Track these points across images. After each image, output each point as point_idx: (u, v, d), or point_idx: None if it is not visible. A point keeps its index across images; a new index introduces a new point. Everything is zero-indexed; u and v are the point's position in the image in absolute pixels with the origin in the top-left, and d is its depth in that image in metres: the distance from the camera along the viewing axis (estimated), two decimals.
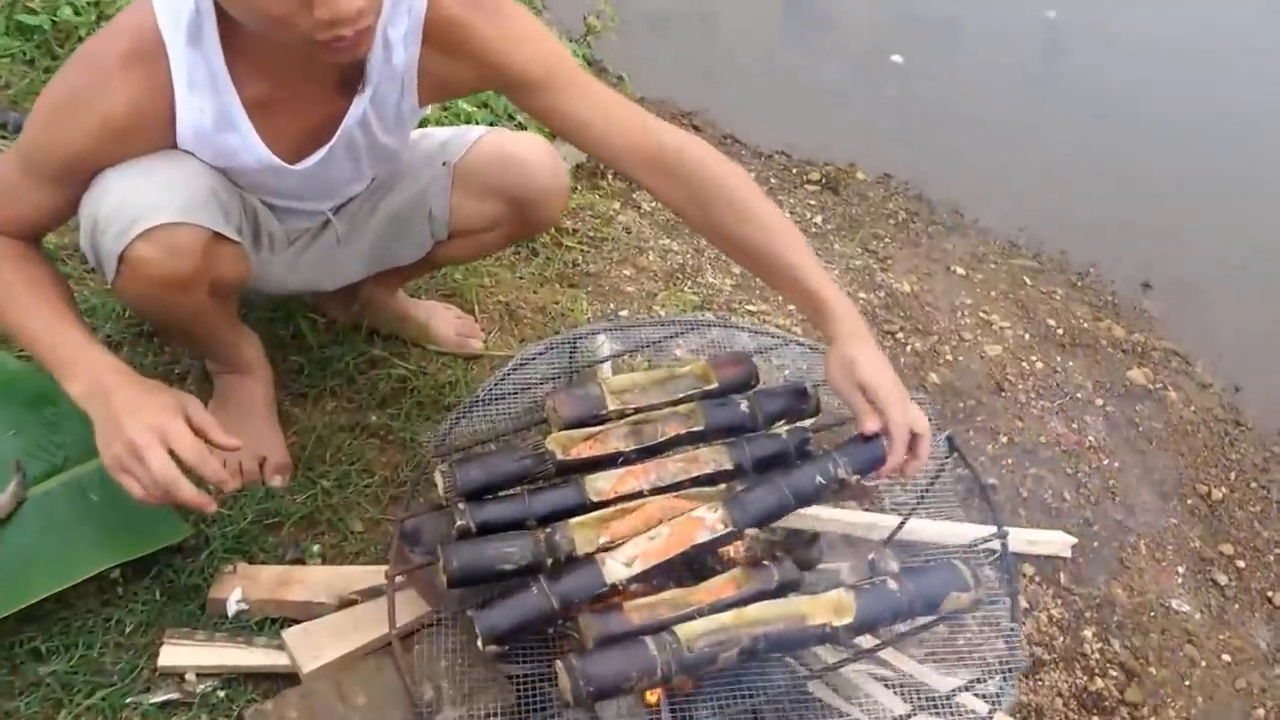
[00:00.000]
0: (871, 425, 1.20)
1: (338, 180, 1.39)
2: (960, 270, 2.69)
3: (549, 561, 1.16)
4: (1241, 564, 2.10)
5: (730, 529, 1.18)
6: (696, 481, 1.25)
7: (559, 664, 1.07)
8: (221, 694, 1.28)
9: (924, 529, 1.47)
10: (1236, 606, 2.02)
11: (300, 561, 1.43)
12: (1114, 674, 1.78)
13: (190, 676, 1.28)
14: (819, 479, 1.22)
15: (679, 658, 1.07)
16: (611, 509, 1.21)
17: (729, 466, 1.26)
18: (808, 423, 1.35)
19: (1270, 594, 2.06)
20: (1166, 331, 2.73)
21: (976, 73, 3.65)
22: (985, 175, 3.20)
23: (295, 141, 1.27)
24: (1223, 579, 2.05)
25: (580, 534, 1.18)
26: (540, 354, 1.46)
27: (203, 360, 1.61)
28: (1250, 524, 2.20)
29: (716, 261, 2.40)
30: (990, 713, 1.15)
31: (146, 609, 1.34)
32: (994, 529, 1.36)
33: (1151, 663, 1.83)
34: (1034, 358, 2.43)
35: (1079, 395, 2.36)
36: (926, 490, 1.44)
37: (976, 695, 1.18)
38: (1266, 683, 1.89)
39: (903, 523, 1.45)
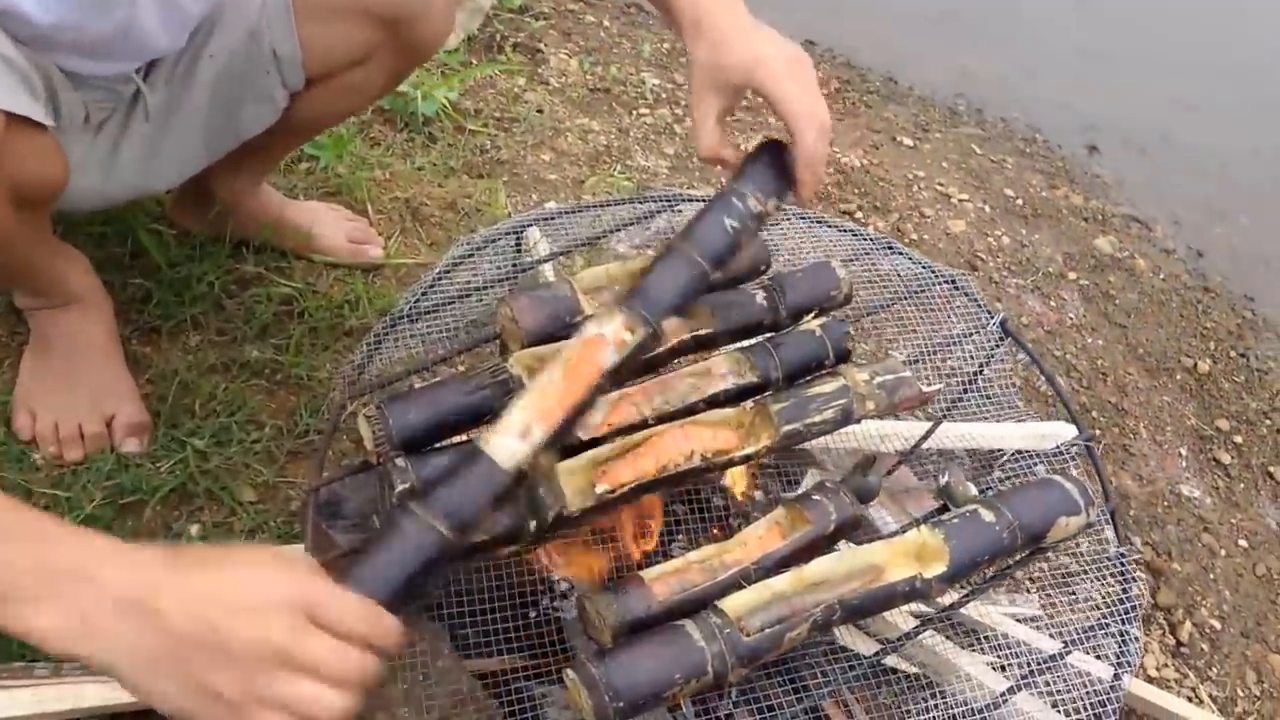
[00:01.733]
0: (707, 147, 0.91)
1: (146, 15, 0.97)
2: (907, 141, 2.42)
3: (531, 526, 0.84)
4: (1239, 439, 1.94)
5: (643, 331, 0.81)
6: (714, 401, 0.94)
7: (571, 673, 0.76)
8: None
9: (963, 434, 1.21)
10: (1242, 486, 1.86)
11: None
12: (1141, 576, 1.59)
13: None
14: (728, 222, 0.87)
15: (734, 644, 0.77)
16: (608, 446, 0.88)
17: (753, 379, 0.95)
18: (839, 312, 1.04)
19: (1271, 469, 1.91)
20: (1121, 196, 2.54)
21: None
22: (911, 38, 2.94)
23: None
24: (1225, 458, 1.89)
25: (571, 483, 0.85)
26: (477, 250, 1.10)
27: (8, 294, 1.20)
28: (1238, 395, 2.04)
29: (645, 141, 2.06)
30: (1116, 677, 0.90)
31: None
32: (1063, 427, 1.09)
33: (1174, 558, 1.65)
34: (999, 232, 2.20)
35: (1050, 269, 2.14)
36: (970, 382, 1.17)
37: (1090, 653, 0.93)
38: None
39: (935, 425, 1.18)
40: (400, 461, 0.86)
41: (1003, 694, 0.89)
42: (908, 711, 0.92)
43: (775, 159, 0.91)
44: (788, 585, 0.83)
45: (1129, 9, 3.32)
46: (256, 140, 1.22)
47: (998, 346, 1.15)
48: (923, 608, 0.94)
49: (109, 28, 0.94)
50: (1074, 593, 1.03)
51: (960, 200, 2.25)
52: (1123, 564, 0.98)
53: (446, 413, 0.89)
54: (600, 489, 0.86)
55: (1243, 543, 1.74)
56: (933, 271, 1.19)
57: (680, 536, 1.03)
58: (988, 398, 1.18)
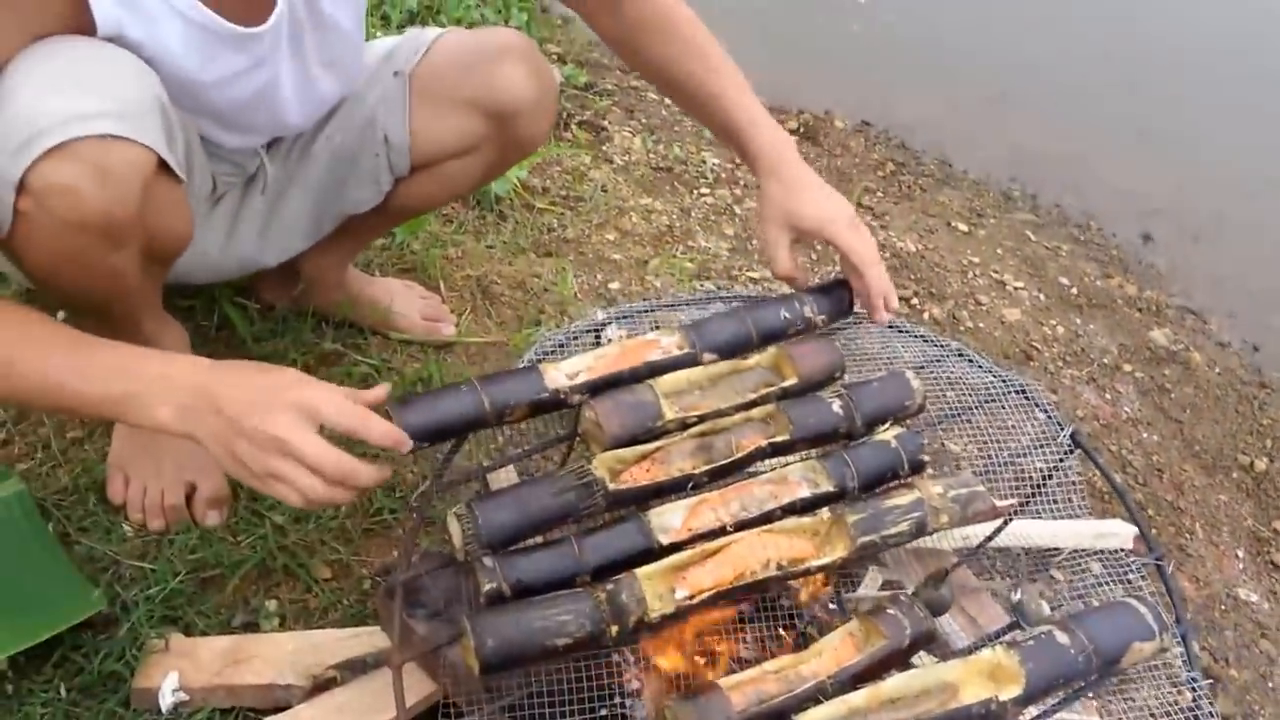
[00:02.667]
0: (783, 267, 1.14)
1: (285, 90, 1.03)
2: (962, 226, 2.45)
3: (613, 631, 0.86)
4: None
5: (689, 351, 1.04)
6: (790, 509, 0.96)
7: None
8: None
9: (1024, 534, 1.22)
10: None
11: (254, 627, 1.10)
12: (1199, 681, 1.57)
13: None
14: (783, 313, 1.11)
15: None
16: (687, 553, 0.90)
17: (829, 488, 0.97)
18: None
19: None
20: (1175, 286, 2.55)
21: (941, 12, 3.40)
22: (966, 120, 2.98)
23: (231, 9, 0.92)
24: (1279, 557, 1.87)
25: (651, 589, 0.87)
26: (559, 347, 1.13)
27: None
28: None
29: (706, 222, 2.10)
30: None
31: (49, 712, 0.99)
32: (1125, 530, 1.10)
33: (1231, 664, 1.63)
34: (1054, 321, 2.21)
35: (1106, 361, 2.14)
36: (1033, 493, 1.18)
37: None
38: None
39: (1001, 527, 1.19)
40: (488, 561, 0.88)
41: None
42: None
43: (836, 290, 1.17)
44: (864, 701, 0.84)
45: (1185, 89, 3.33)
46: (353, 221, 1.28)
47: (1066, 456, 1.16)
48: None
49: (250, 93, 1.00)
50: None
51: (1015, 288, 2.27)
52: (1194, 688, 0.98)
53: (534, 514, 0.91)
54: (680, 594, 0.88)
55: None
56: (1004, 381, 1.21)
57: (747, 636, 1.05)
58: (1055, 502, 1.19)
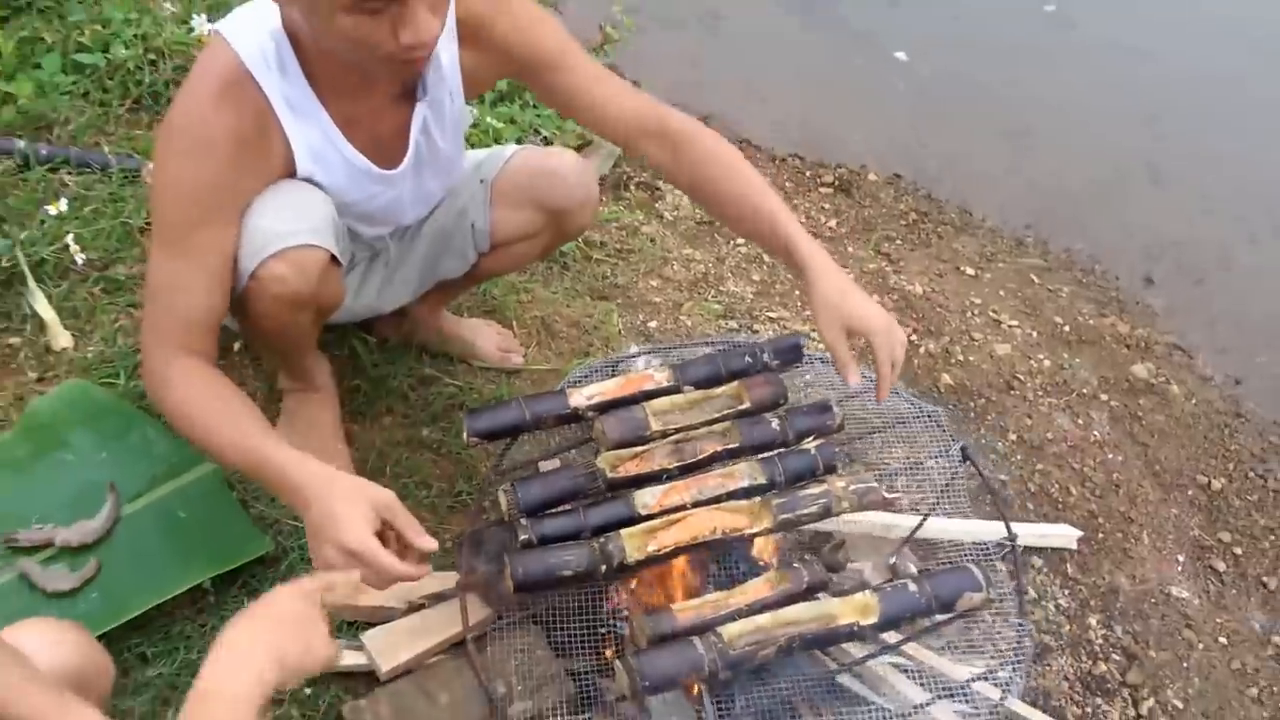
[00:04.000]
0: (854, 379, 1.36)
1: (404, 200, 1.51)
2: (970, 270, 2.81)
3: (602, 569, 1.30)
4: (1239, 550, 2.22)
5: (673, 383, 1.48)
6: (733, 495, 1.38)
7: (618, 663, 1.21)
8: (308, 691, 1.42)
9: (941, 528, 1.60)
10: (1234, 592, 2.15)
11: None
12: (1116, 658, 1.91)
13: None
14: (747, 358, 1.51)
15: (724, 656, 1.21)
16: (658, 520, 1.34)
17: (763, 481, 1.39)
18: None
19: (1265, 579, 2.19)
20: (1169, 325, 2.84)
21: (978, 70, 3.74)
22: (992, 173, 3.31)
23: (373, 154, 1.39)
24: (1220, 565, 2.18)
25: (631, 543, 1.31)
26: (584, 377, 1.59)
27: (273, 380, 1.75)
28: (1248, 512, 2.32)
29: (737, 270, 2.53)
30: (1001, 698, 1.29)
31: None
32: (1004, 529, 1.48)
33: (1151, 646, 1.96)
34: (1042, 356, 2.55)
35: (1085, 391, 2.48)
36: (942, 493, 1.57)
37: (990, 683, 1.31)
38: (1260, 663, 2.02)
39: (919, 525, 1.58)
40: (524, 521, 1.33)
41: (922, 704, 1.29)
42: (856, 712, 1.32)
43: (790, 342, 1.56)
44: (768, 621, 1.26)
45: (1204, 134, 3.58)
46: (447, 281, 1.76)
47: (960, 466, 1.55)
48: (866, 645, 1.35)
49: (383, 205, 1.49)
50: (985, 645, 1.40)
51: (1010, 326, 2.62)
52: (1021, 630, 1.36)
53: (555, 492, 1.36)
54: (650, 548, 1.32)
55: (1223, 639, 2.03)
56: (918, 407, 1.60)
57: (711, 587, 1.47)
58: (954, 504, 1.58)
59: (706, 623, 1.26)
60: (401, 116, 1.41)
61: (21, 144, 2.01)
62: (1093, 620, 1.96)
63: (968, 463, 1.54)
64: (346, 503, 1.17)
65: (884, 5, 4.03)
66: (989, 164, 3.33)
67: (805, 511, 1.37)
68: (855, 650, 1.36)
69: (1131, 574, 2.09)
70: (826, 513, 1.39)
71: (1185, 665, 1.96)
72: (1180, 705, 1.88)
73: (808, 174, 3.12)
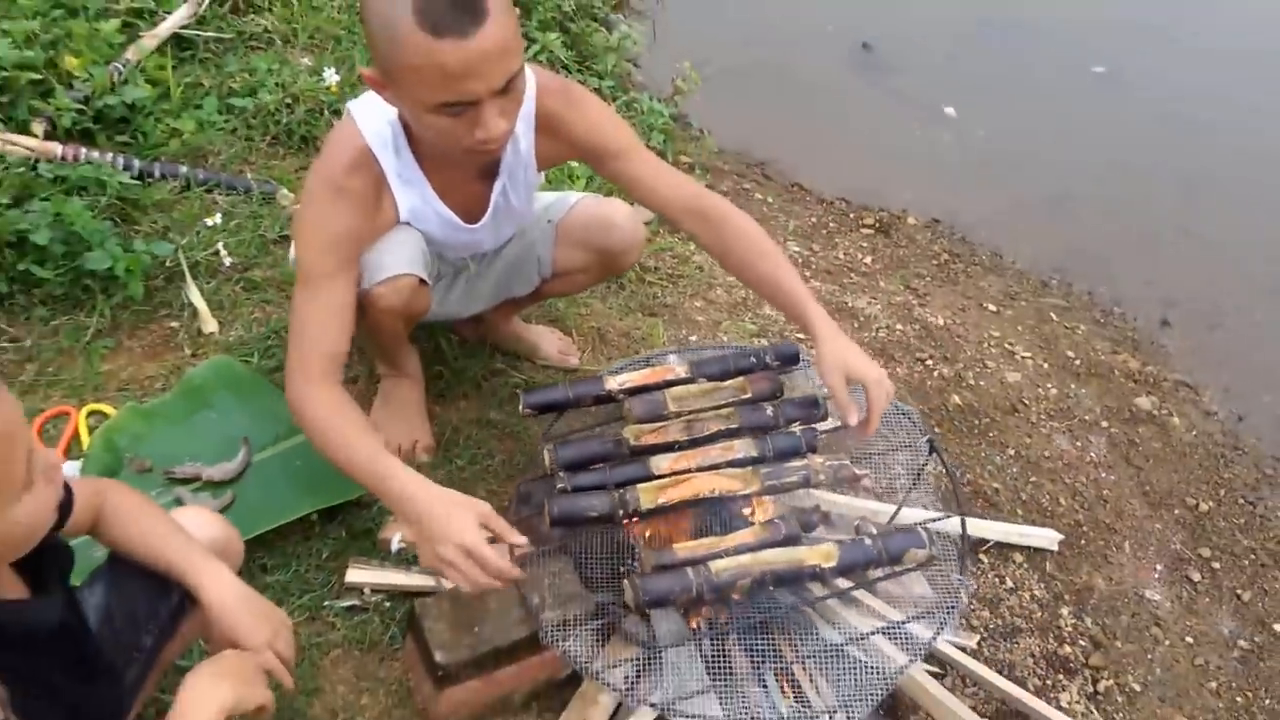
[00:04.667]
0: (854, 418, 1.64)
1: (484, 239, 1.90)
2: (992, 307, 3.09)
3: (620, 513, 1.65)
4: (1217, 565, 2.45)
5: (690, 374, 1.86)
6: (731, 464, 1.72)
7: (626, 581, 1.55)
8: (387, 604, 1.80)
9: (913, 516, 1.91)
10: (1207, 600, 2.37)
11: None
12: (1083, 644, 2.16)
13: (366, 591, 1.81)
14: (753, 359, 1.89)
15: (709, 582, 1.54)
16: (668, 479, 1.68)
17: (755, 454, 1.73)
18: (818, 425, 1.80)
19: (1240, 592, 2.40)
20: (1180, 365, 3.08)
21: (1024, 125, 4.02)
22: (1027, 219, 3.59)
23: (462, 213, 1.79)
24: (1196, 576, 2.41)
25: (645, 495, 1.66)
26: (620, 369, 1.94)
27: (373, 366, 2.15)
28: (1231, 533, 2.54)
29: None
30: (931, 639, 1.59)
31: (335, 543, 1.87)
32: (955, 514, 1.78)
33: (1118, 637, 2.21)
34: (1049, 385, 2.82)
35: (1087, 418, 2.73)
36: (915, 482, 1.88)
37: (923, 625, 1.62)
38: (1223, 662, 2.24)
39: (896, 512, 1.89)
40: (562, 474, 1.69)
41: (866, 633, 1.60)
42: (815, 635, 1.63)
43: (789, 348, 1.92)
44: (748, 559, 1.59)
45: (1234, 193, 3.80)
46: (516, 298, 2.14)
47: (929, 455, 1.85)
48: (827, 587, 1.66)
49: (465, 243, 1.88)
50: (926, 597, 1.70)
51: (1023, 357, 2.89)
52: (959, 585, 1.65)
53: (588, 454, 1.72)
54: (660, 500, 1.66)
55: (1190, 639, 2.26)
56: (896, 407, 1.91)
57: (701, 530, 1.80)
58: (923, 492, 1.88)
59: (699, 558, 1.59)
60: (485, 185, 1.79)
61: (184, 169, 2.48)
62: (1064, 611, 2.22)
63: (934, 454, 1.84)
64: (460, 510, 1.46)
65: (938, 62, 4.34)
66: (1025, 216, 3.60)
67: (788, 480, 1.70)
68: (819, 591, 1.67)
69: (1109, 576, 2.34)
70: (806, 482, 1.71)
71: (1149, 657, 2.20)
72: (1138, 689, 2.12)
73: (851, 215, 3.44)
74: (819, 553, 1.60)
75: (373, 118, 1.64)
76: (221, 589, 1.28)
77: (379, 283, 1.70)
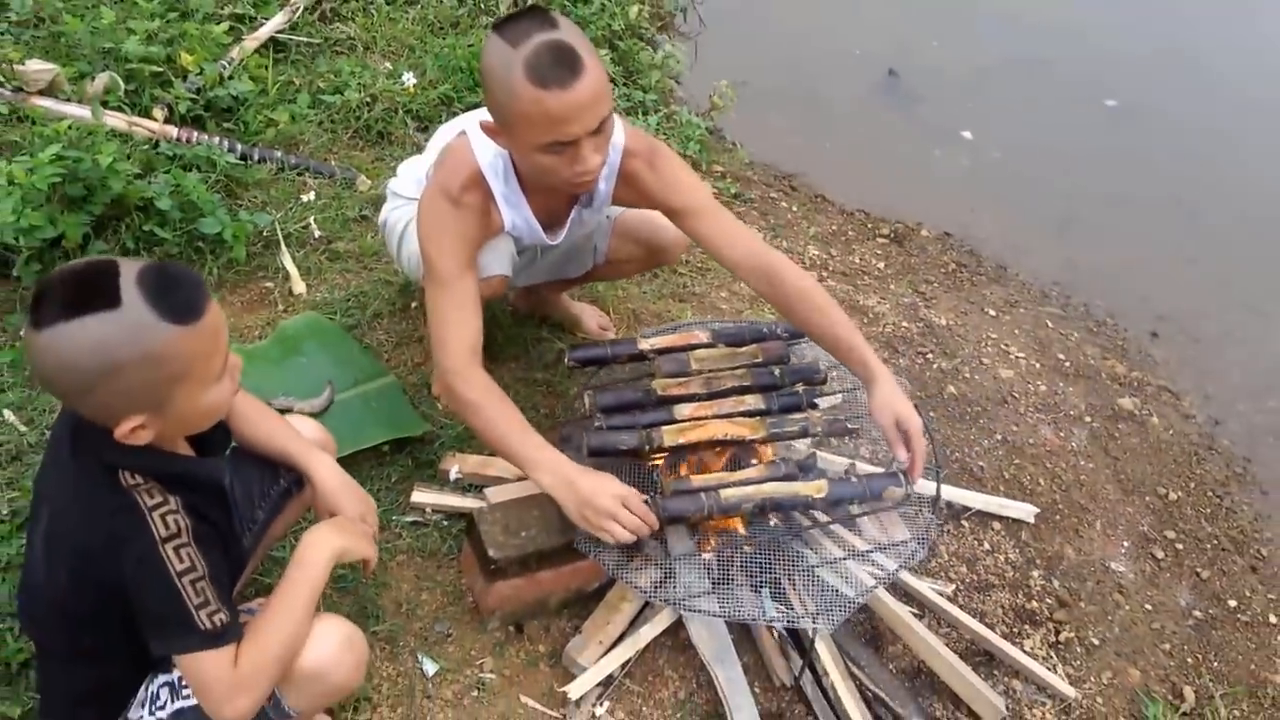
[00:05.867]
0: (903, 455, 1.89)
1: (557, 242, 2.21)
2: (992, 312, 3.38)
3: (645, 448, 1.96)
4: (1180, 546, 2.71)
5: (712, 339, 2.22)
6: (741, 414, 2.03)
7: (648, 498, 1.87)
8: (445, 522, 2.13)
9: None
10: (1168, 575, 2.64)
11: (492, 455, 2.27)
12: (1049, 601, 2.44)
13: (428, 510, 2.13)
14: (764, 330, 2.23)
15: (716, 504, 1.85)
16: (687, 423, 2.00)
17: (762, 407, 2.04)
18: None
19: (1200, 571, 2.67)
20: (1164, 373, 3.34)
21: (1037, 151, 4.31)
22: (1034, 237, 3.86)
23: (547, 226, 2.09)
24: (1160, 554, 2.67)
25: (668, 436, 1.97)
26: (653, 333, 2.26)
27: None
28: (1198, 520, 2.80)
29: None
30: (896, 570, 1.89)
31: (402, 470, 2.20)
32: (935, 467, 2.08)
33: (1083, 599, 2.48)
34: (1039, 382, 3.10)
35: (1071, 413, 3.01)
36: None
37: (891, 558, 1.92)
38: (1178, 628, 2.51)
39: (887, 469, 2.19)
40: (599, 415, 2.01)
41: (840, 557, 1.90)
42: (802, 559, 1.93)
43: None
44: (753, 490, 1.90)
45: (1230, 223, 4.06)
46: (569, 278, 2.47)
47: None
48: (820, 520, 1.96)
49: (540, 243, 2.20)
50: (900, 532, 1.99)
51: (1017, 356, 3.18)
52: (929, 525, 1.95)
53: (622, 401, 2.04)
54: (680, 440, 1.98)
55: (1148, 606, 2.53)
56: None
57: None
58: None
59: (710, 487, 1.91)
60: (568, 206, 2.09)
61: (279, 154, 2.84)
62: (1035, 573, 2.50)
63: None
64: (606, 476, 1.80)
65: (958, 90, 4.65)
66: (1031, 234, 3.88)
67: (788, 429, 2.01)
68: (808, 523, 1.98)
69: (1079, 549, 2.61)
70: (804, 433, 2.02)
71: (1109, 618, 2.47)
72: (1097, 643, 2.39)
73: (868, 225, 3.75)
74: (812, 486, 1.91)
75: (486, 149, 1.93)
76: (328, 472, 1.61)
77: (479, 279, 1.99)
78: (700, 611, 1.80)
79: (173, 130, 2.71)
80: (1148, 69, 4.89)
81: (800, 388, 2.09)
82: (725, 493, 1.88)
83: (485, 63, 1.74)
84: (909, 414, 1.88)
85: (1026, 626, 2.37)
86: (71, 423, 1.34)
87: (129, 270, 1.19)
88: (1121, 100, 4.67)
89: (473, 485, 2.19)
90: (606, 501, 1.74)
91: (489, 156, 1.93)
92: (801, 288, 1.98)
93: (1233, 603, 2.60)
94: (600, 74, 1.72)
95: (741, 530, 1.98)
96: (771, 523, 1.97)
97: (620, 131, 1.96)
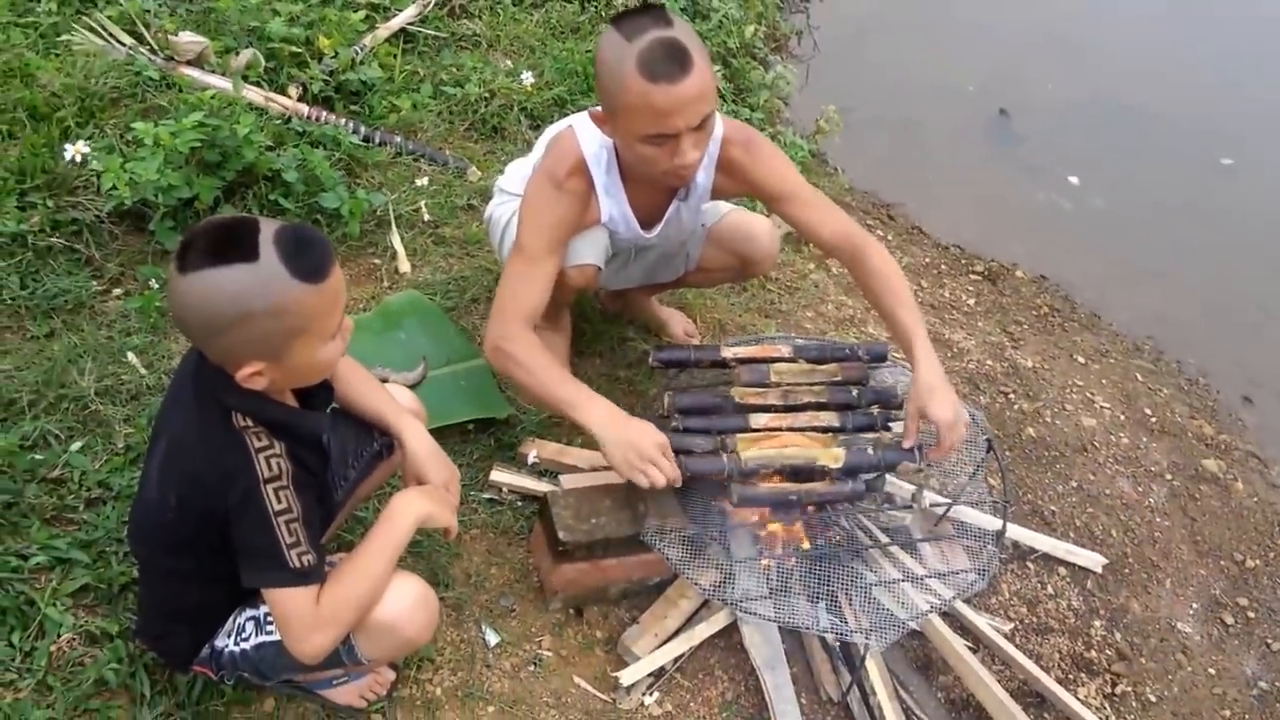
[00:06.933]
0: (910, 441, 1.97)
1: (653, 241, 2.29)
2: (1081, 359, 3.35)
3: (719, 450, 2.02)
4: (1252, 615, 2.65)
5: (792, 354, 2.24)
6: (815, 429, 2.08)
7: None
8: (519, 503, 2.22)
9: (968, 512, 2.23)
10: (1236, 642, 2.58)
11: (570, 444, 2.36)
12: (1109, 652, 2.42)
13: (504, 490, 2.23)
14: (846, 350, 2.26)
15: (737, 465, 1.92)
16: (761, 433, 2.06)
17: (837, 425, 2.09)
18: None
19: (1271, 642, 2.61)
20: (1254, 439, 3.26)
21: (1144, 202, 4.24)
22: (1131, 289, 3.80)
23: (643, 221, 2.18)
24: (1230, 620, 2.62)
25: (741, 445, 2.03)
26: (737, 343, 2.32)
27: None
28: (1273, 589, 2.74)
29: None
30: (953, 598, 1.91)
31: (484, 449, 2.30)
32: (1002, 503, 2.10)
33: (1144, 654, 2.45)
34: (1122, 435, 3.06)
35: (1152, 469, 2.97)
36: (972, 476, 2.20)
37: (949, 586, 1.94)
38: (1240, 696, 2.46)
39: (954, 502, 2.21)
40: (677, 415, 2.08)
41: (897, 579, 1.93)
42: (860, 577, 1.97)
43: (879, 347, 2.23)
44: (773, 453, 1.94)
45: None
46: (660, 282, 2.55)
47: (987, 453, 2.17)
48: (882, 537, 1.99)
49: (639, 239, 2.28)
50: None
51: (1101, 406, 3.15)
52: (991, 558, 1.97)
53: (701, 404, 2.11)
54: (753, 451, 2.03)
55: (1212, 671, 2.49)
56: (969, 413, 2.23)
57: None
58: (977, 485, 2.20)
59: (731, 449, 1.96)
60: (666, 201, 2.18)
61: (399, 139, 2.99)
62: (1097, 623, 2.48)
63: (991, 451, 2.16)
64: (649, 425, 1.89)
65: (1069, 135, 4.60)
66: (1129, 285, 3.82)
67: (858, 449, 2.05)
68: (870, 543, 2.01)
69: (1145, 604, 2.58)
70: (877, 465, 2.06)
71: (1170, 677, 2.44)
72: (1154, 700, 2.36)
73: (962, 261, 3.74)
74: (829, 454, 1.96)
75: (592, 140, 2.03)
76: (419, 438, 1.71)
77: (571, 266, 2.11)
78: (756, 615, 1.86)
79: (304, 108, 2.88)
80: (1269, 129, 4.77)
81: (876, 410, 2.13)
82: (745, 454, 1.93)
83: (600, 53, 1.83)
84: (939, 409, 1.91)
85: (1083, 675, 2.36)
86: (195, 366, 1.46)
87: (268, 229, 1.31)
88: (1238, 160, 4.56)
89: (549, 470, 2.28)
90: (649, 447, 1.83)
91: (594, 148, 2.01)
92: (882, 269, 2.06)
93: None
94: (707, 74, 1.79)
95: (805, 544, 2.02)
96: (834, 539, 2.01)
97: (719, 124, 2.03)
